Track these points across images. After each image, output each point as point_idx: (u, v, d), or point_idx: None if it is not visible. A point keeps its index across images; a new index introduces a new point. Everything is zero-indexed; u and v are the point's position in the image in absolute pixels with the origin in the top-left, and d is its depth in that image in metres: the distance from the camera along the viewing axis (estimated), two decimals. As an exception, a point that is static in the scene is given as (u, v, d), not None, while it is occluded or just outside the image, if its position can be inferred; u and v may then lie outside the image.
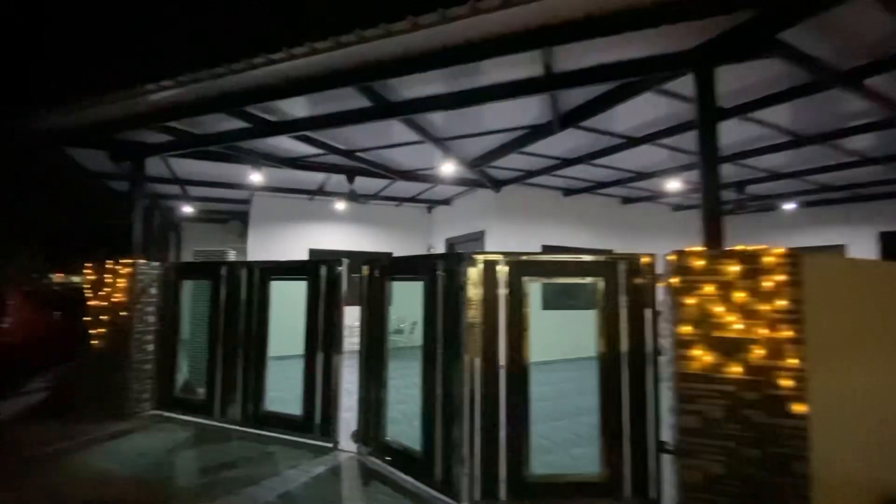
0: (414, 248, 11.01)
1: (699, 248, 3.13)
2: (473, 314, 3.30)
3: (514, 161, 7.17)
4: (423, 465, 3.57)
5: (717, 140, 3.43)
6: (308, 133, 5.70)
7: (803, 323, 2.83)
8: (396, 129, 5.65)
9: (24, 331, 6.82)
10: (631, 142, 5.97)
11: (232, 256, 7.10)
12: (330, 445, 4.36)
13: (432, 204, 10.94)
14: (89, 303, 5.53)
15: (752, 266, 2.95)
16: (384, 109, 4.63)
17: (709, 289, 3.03)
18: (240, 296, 4.98)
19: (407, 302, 4.13)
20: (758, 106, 4.61)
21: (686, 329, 3.06)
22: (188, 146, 5.79)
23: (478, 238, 9.10)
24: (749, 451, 2.88)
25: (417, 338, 9.87)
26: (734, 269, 2.98)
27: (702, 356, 3.01)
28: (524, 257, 3.36)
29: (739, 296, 2.96)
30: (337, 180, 8.24)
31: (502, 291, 3.32)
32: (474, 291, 3.31)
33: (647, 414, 3.28)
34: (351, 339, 4.55)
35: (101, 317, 5.43)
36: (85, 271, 5.66)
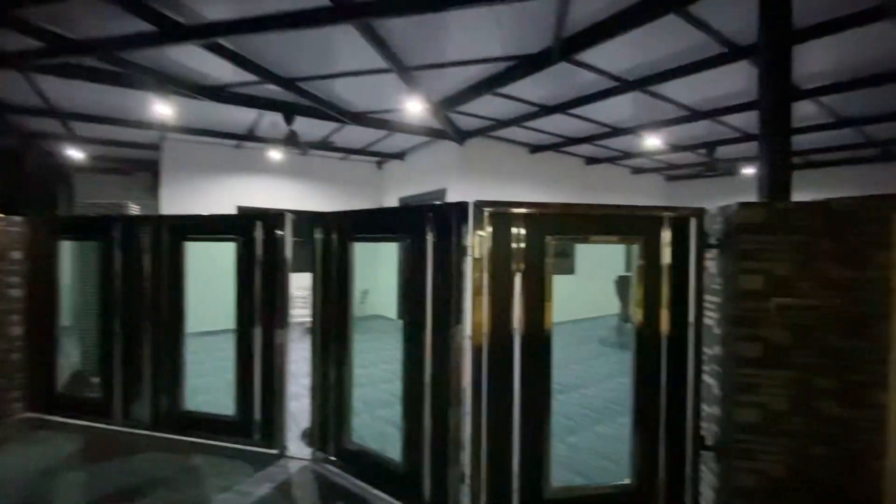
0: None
1: (767, 201, 2.47)
2: (478, 281, 2.44)
3: (486, 106, 6.23)
4: (405, 478, 2.75)
5: (790, 70, 2.74)
6: (233, 47, 4.35)
7: (892, 294, 2.28)
8: (349, 51, 4.47)
9: None
10: (624, 86, 5.25)
11: (135, 211, 5.62)
12: (275, 452, 3.40)
13: (384, 158, 9.74)
14: (-82, 271, 3.98)
15: (837, 223, 2.33)
16: (339, 10, 3.47)
17: (779, 252, 2.39)
18: (143, 260, 3.73)
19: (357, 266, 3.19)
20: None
21: (747, 303, 2.43)
22: (58, 53, 4.21)
23: (437, 197, 8.18)
24: (817, 448, 2.36)
25: (367, 308, 8.94)
26: (814, 226, 2.35)
27: (767, 336, 2.40)
28: (549, 210, 2.51)
29: (819, 261, 2.35)
30: (271, 122, 6.83)
31: (518, 253, 2.48)
32: (480, 252, 2.44)
33: (686, 405, 2.67)
34: (296, 310, 3.54)
35: (-63, 290, 3.92)
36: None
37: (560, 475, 3.11)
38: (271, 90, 5.50)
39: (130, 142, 8.10)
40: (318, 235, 3.26)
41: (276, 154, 8.14)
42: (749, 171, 9.32)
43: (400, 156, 9.40)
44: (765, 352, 2.41)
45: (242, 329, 3.47)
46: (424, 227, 2.61)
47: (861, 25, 3.48)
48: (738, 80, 5.20)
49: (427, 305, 2.63)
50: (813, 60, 4.59)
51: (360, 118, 6.61)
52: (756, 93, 5.60)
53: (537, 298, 2.52)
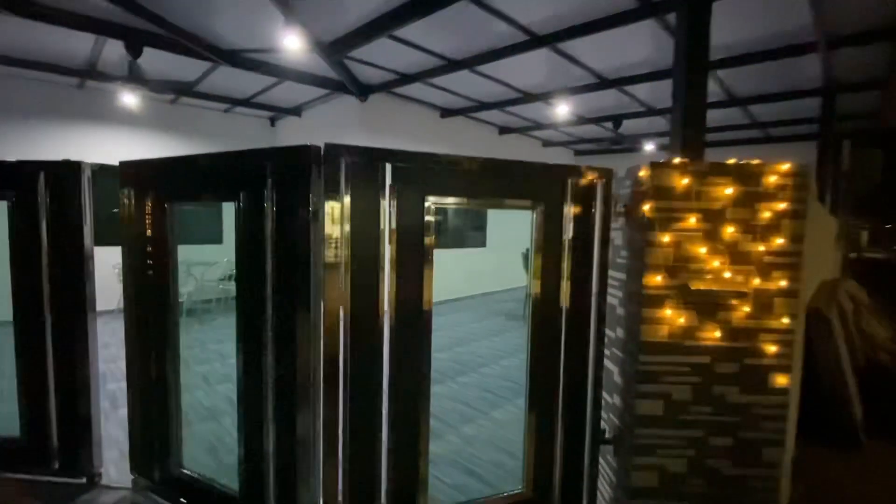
0: (252, 171, 8.63)
1: (681, 161, 2.12)
2: (334, 250, 1.83)
3: (387, 55, 5.48)
4: (245, 508, 2.12)
5: (709, 20, 2.39)
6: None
7: (801, 269, 2.07)
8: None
9: None
10: (534, 41, 4.80)
11: None
12: (81, 481, 2.58)
13: (277, 113, 8.55)
14: None
15: (753, 188, 2.05)
16: None
17: (692, 220, 2.07)
18: None
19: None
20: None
21: (655, 280, 2.09)
22: None
23: (336, 159, 7.31)
24: (719, 439, 2.14)
25: (233, 290, 7.93)
26: (728, 191, 2.05)
27: (674, 318, 2.10)
28: (429, 163, 1.93)
29: (730, 231, 2.06)
30: (120, 56, 5.44)
31: (389, 217, 1.89)
32: (338, 214, 1.82)
33: (586, 395, 2.33)
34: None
35: None
36: None
37: (451, 476, 2.70)
38: (105, 8, 4.24)
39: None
40: (126, 195, 2.40)
41: (132, 99, 6.64)
42: (651, 146, 9.62)
43: (296, 111, 8.29)
44: (670, 335, 2.11)
45: (24, 319, 2.53)
46: (263, 180, 1.91)
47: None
48: (645, 46, 5.01)
49: (267, 284, 1.96)
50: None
51: (236, 58, 5.49)
52: (662, 63, 5.60)
53: (413, 273, 1.98)
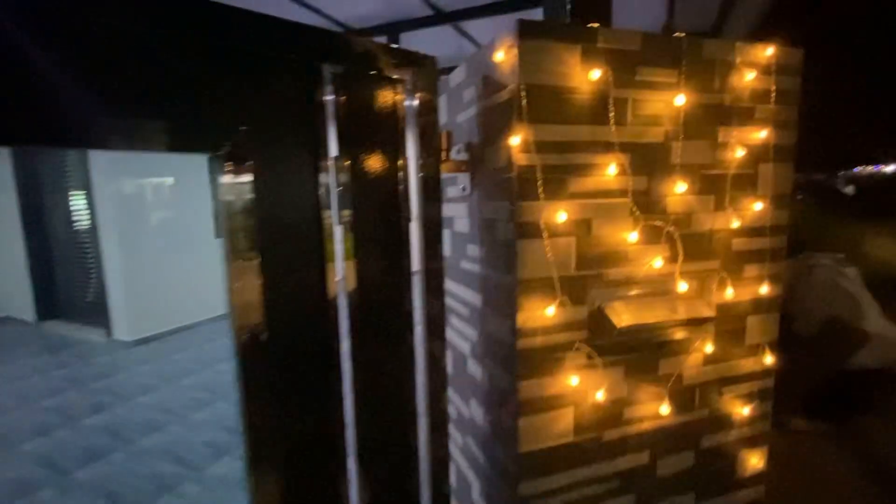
0: None
1: (582, 25, 0.91)
2: None
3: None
4: None
5: None
6: None
7: (783, 258, 1.09)
8: None
9: None
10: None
11: None
12: None
13: None
14: None
15: (717, 96, 0.97)
16: None
17: (609, 171, 0.91)
18: None
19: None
20: None
21: (538, 313, 0.91)
22: None
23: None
24: None
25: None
26: (678, 102, 0.93)
27: (583, 391, 0.95)
28: None
29: (680, 191, 0.96)
30: None
31: None
32: None
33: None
34: None
35: None
36: None
37: None
38: None
39: None
40: None
41: None
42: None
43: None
44: (576, 429, 0.97)
45: None
46: None
47: None
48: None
49: None
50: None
51: None
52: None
53: None
